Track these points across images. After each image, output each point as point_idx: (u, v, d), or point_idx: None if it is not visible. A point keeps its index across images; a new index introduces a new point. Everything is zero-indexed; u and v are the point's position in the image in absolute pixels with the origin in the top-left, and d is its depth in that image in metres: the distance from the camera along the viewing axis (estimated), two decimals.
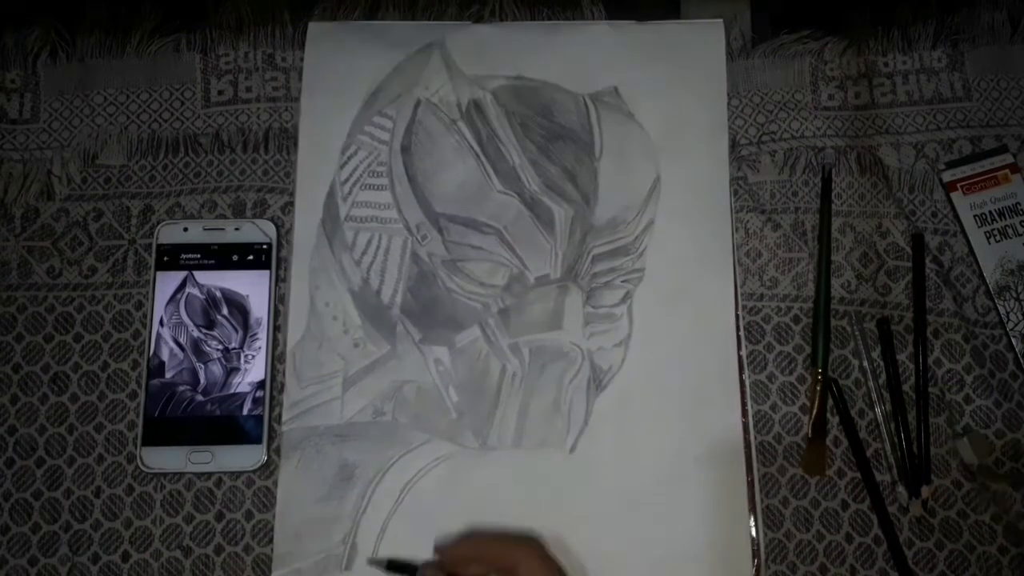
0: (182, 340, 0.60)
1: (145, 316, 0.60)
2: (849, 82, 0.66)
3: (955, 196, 0.63)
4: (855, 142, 0.64)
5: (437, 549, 0.52)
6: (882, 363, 0.60)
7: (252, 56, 0.66)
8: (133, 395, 0.59)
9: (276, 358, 0.60)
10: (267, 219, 0.62)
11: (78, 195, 0.63)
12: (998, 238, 0.62)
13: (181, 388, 0.59)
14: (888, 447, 0.58)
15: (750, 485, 0.58)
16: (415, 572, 0.52)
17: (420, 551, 0.56)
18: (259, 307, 0.60)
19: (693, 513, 0.57)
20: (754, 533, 0.57)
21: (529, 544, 0.51)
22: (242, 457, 0.58)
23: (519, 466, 0.58)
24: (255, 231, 0.62)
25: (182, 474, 0.58)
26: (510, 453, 0.58)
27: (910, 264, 0.62)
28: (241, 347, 0.60)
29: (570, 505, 0.57)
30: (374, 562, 0.55)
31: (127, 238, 0.62)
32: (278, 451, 0.58)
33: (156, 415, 0.58)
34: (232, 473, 0.58)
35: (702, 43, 0.65)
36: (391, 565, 0.54)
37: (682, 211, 0.62)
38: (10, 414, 0.59)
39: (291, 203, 0.63)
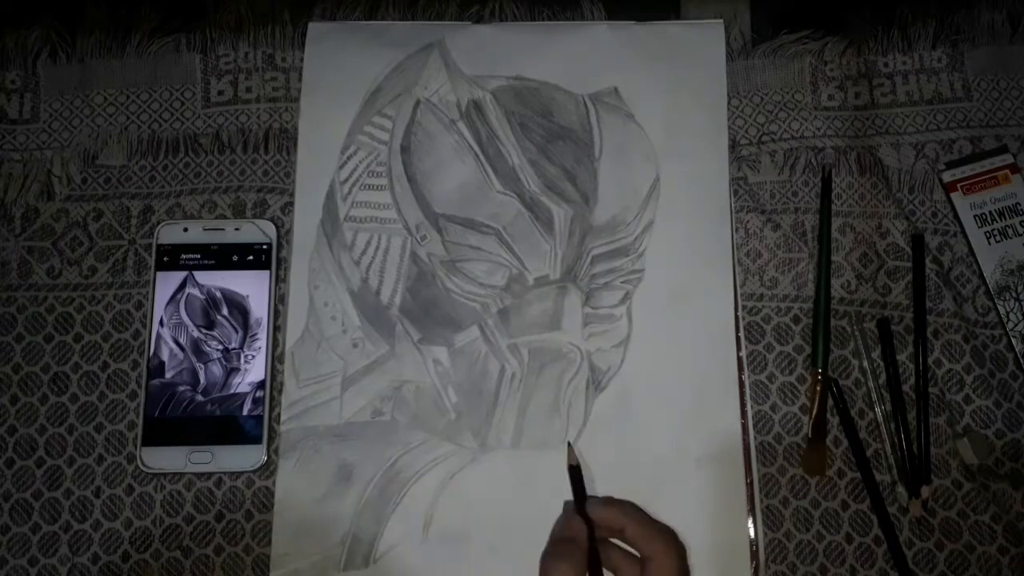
0: (182, 340, 0.60)
1: (145, 316, 0.60)
2: (849, 82, 0.66)
3: (955, 196, 0.63)
4: (855, 142, 0.64)
5: (589, 501, 0.52)
6: (882, 363, 0.60)
7: (252, 56, 0.66)
8: (133, 395, 0.59)
9: (276, 358, 0.60)
10: (267, 219, 0.62)
11: (78, 195, 0.63)
12: (998, 238, 0.62)
13: (181, 388, 0.59)
14: (888, 447, 0.58)
15: (749, 486, 0.58)
16: (583, 504, 0.52)
17: (419, 551, 0.56)
18: (259, 307, 0.60)
19: (693, 513, 0.57)
20: (753, 534, 0.57)
21: (671, 541, 0.51)
22: (242, 457, 0.58)
23: (518, 466, 0.58)
24: (255, 231, 0.62)
25: (182, 474, 0.58)
26: (509, 453, 0.58)
27: (910, 264, 0.62)
28: (241, 347, 0.60)
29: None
30: (570, 453, 0.54)
31: (127, 238, 0.62)
32: (278, 451, 0.58)
33: (156, 415, 0.58)
34: (232, 473, 0.58)
35: (702, 43, 0.65)
36: (574, 471, 0.53)
37: (682, 211, 0.62)
38: (10, 414, 0.59)
39: (291, 203, 0.63)
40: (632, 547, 0.51)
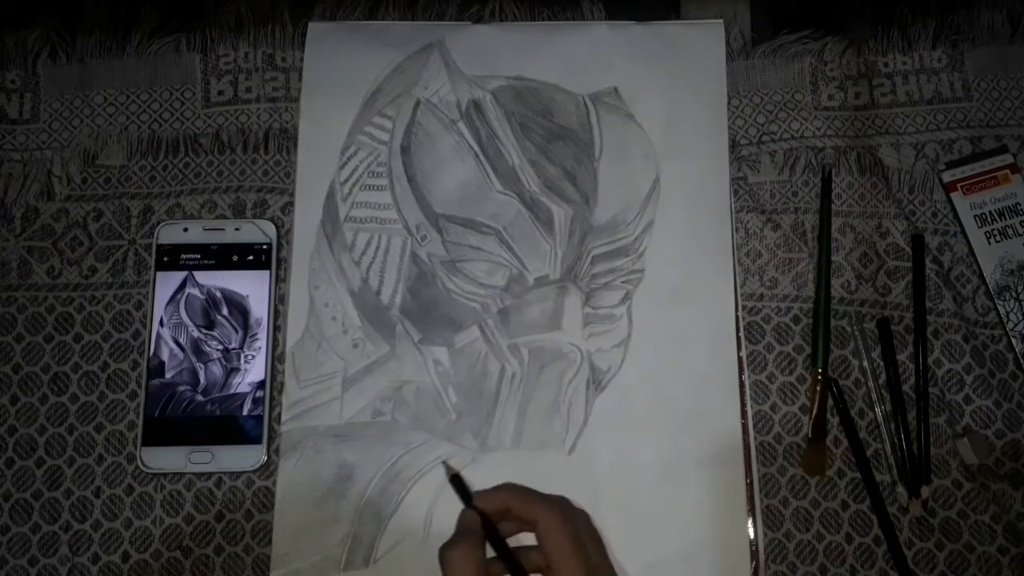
0: (182, 340, 0.60)
1: (145, 316, 0.60)
2: (849, 82, 0.66)
3: (955, 196, 0.63)
4: (855, 142, 0.64)
5: (475, 495, 0.51)
6: (882, 363, 0.60)
7: (252, 56, 0.66)
8: (133, 395, 0.59)
9: (276, 358, 0.60)
10: (267, 219, 0.62)
11: (78, 195, 0.63)
12: (998, 238, 0.62)
13: (181, 388, 0.59)
14: (888, 447, 0.58)
15: (749, 486, 0.58)
16: (470, 502, 0.51)
17: (419, 551, 0.56)
18: (259, 307, 0.60)
19: (692, 513, 0.57)
20: (753, 534, 0.57)
21: (554, 503, 0.50)
22: (242, 457, 0.58)
23: (518, 467, 0.58)
24: (255, 231, 0.62)
25: (182, 474, 0.58)
26: (509, 453, 0.58)
27: (910, 264, 0.62)
28: (241, 347, 0.60)
29: None
30: (447, 467, 0.52)
31: (127, 238, 0.62)
32: (278, 451, 0.58)
33: (156, 415, 0.58)
34: (232, 473, 0.58)
35: (702, 43, 0.65)
36: (455, 479, 0.51)
37: (682, 211, 0.62)
38: (10, 414, 0.59)
39: (291, 203, 0.63)
40: (523, 524, 0.50)
